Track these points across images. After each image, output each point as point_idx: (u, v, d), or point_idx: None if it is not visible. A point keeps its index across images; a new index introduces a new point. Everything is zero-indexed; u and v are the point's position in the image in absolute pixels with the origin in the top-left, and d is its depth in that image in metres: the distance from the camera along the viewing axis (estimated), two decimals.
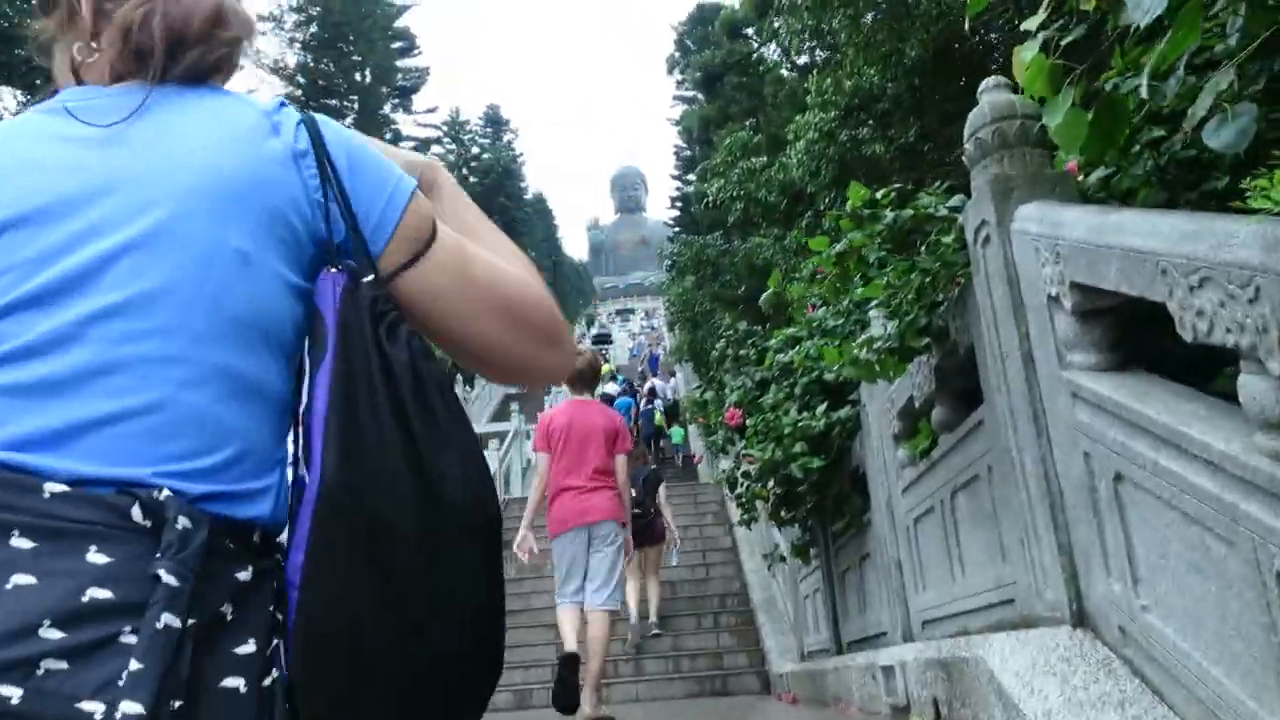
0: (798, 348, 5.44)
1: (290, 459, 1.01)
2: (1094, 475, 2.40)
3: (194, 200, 0.97)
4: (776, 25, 17.99)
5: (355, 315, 0.99)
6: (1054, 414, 2.58)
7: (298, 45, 29.08)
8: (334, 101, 30.22)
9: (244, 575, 0.94)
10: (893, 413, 4.39)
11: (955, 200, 3.22)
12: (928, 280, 3.08)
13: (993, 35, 8.62)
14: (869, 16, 7.27)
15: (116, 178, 0.98)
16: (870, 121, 7.46)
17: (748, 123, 12.88)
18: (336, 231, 1.05)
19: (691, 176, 42.98)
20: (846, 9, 6.79)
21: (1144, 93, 1.92)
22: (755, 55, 18.92)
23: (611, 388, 22.98)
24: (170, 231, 0.95)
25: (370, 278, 1.04)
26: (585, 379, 5.63)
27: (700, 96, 29.08)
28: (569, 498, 5.27)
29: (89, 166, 0.99)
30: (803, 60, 17.73)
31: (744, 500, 6.23)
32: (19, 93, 19.14)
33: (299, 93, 28.96)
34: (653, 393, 24.62)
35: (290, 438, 1.03)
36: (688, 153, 44.21)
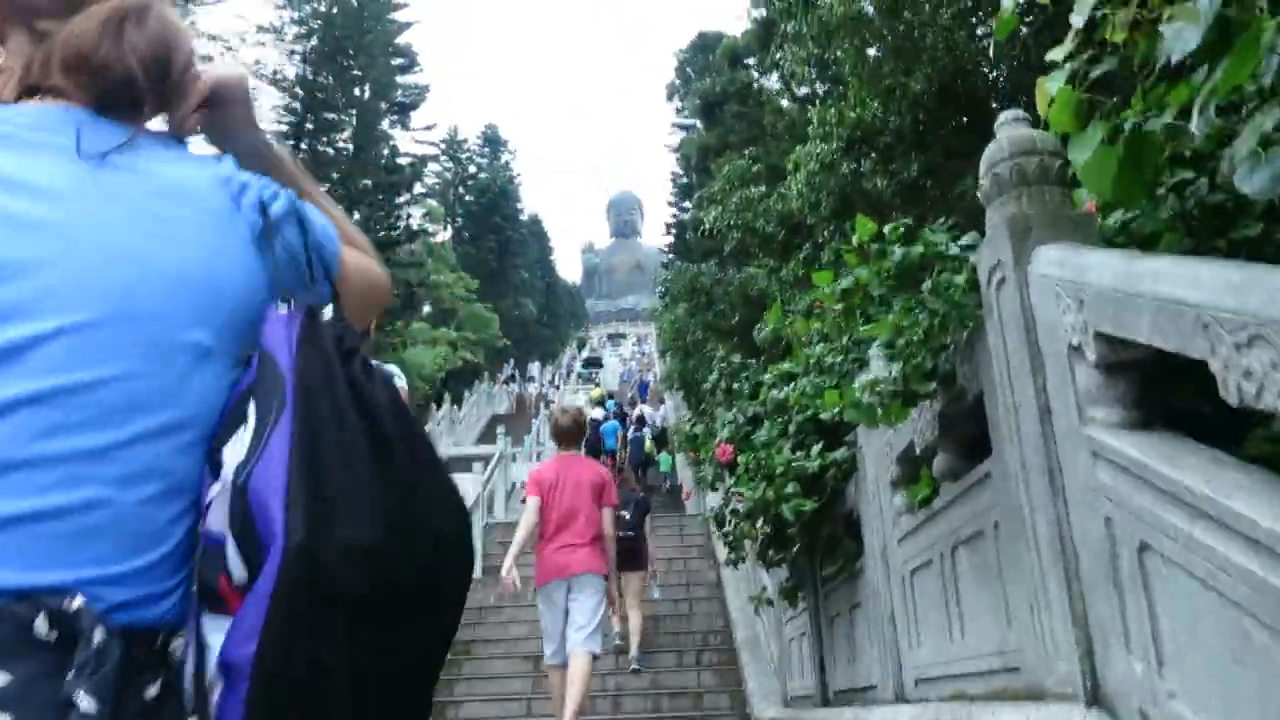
0: (793, 384, 5.25)
1: (213, 541, 0.86)
2: (1115, 542, 2.21)
3: (158, 288, 0.86)
4: (779, 56, 17.98)
5: (319, 358, 0.88)
6: (1072, 473, 2.39)
7: (297, 57, 29.01)
8: (332, 115, 30.11)
9: (153, 691, 0.83)
10: (891, 457, 4.20)
11: (967, 239, 3.05)
12: (936, 322, 2.90)
13: (994, 73, 8.52)
14: (875, 48, 7.16)
15: (63, 243, 0.83)
16: (873, 155, 7.32)
17: (746, 151, 12.76)
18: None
19: (688, 204, 42.98)
20: (853, 39, 6.67)
21: (1195, 129, 1.75)
22: (756, 85, 18.89)
23: (598, 412, 23.14)
24: (128, 318, 0.84)
25: (329, 312, 0.98)
26: (571, 435, 5.87)
27: (699, 124, 29.08)
28: (553, 551, 5.46)
29: (25, 221, 0.82)
30: (804, 91, 17.71)
31: (732, 539, 6.03)
32: None
33: (297, 105, 28.84)
34: (641, 420, 24.57)
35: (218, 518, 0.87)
36: (685, 180, 44.23)
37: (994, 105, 8.17)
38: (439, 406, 30.51)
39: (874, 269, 2.93)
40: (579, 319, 72.00)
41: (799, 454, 5.10)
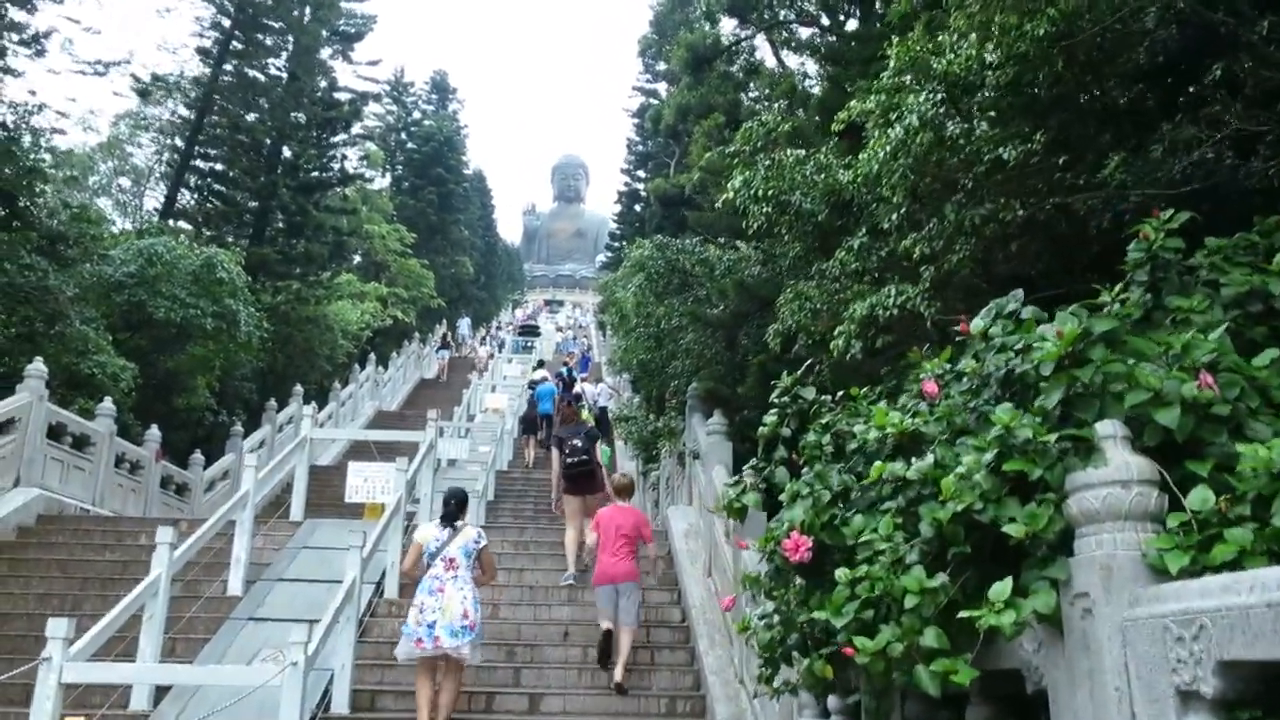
0: (934, 454, 3.26)
1: None
2: None
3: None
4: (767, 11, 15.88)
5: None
6: None
7: None
8: (264, 38, 27.15)
9: None
10: (1193, 649, 2.24)
11: None
12: None
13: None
14: None
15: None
16: (991, 114, 5.31)
17: (776, 105, 10.66)
18: None
19: (643, 173, 40.60)
20: None
21: None
22: (747, 43, 16.80)
23: (538, 374, 24.36)
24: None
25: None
26: (626, 491, 9.07)
27: (668, 86, 26.84)
28: (605, 562, 8.37)
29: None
30: (794, 60, 15.69)
31: (773, 655, 4.06)
32: None
33: (225, 20, 25.81)
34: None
35: None
36: (641, 147, 41.82)
37: (1121, 66, 6.21)
38: (363, 367, 27.99)
39: None
40: (516, 282, 69.35)
41: (938, 577, 3.11)
